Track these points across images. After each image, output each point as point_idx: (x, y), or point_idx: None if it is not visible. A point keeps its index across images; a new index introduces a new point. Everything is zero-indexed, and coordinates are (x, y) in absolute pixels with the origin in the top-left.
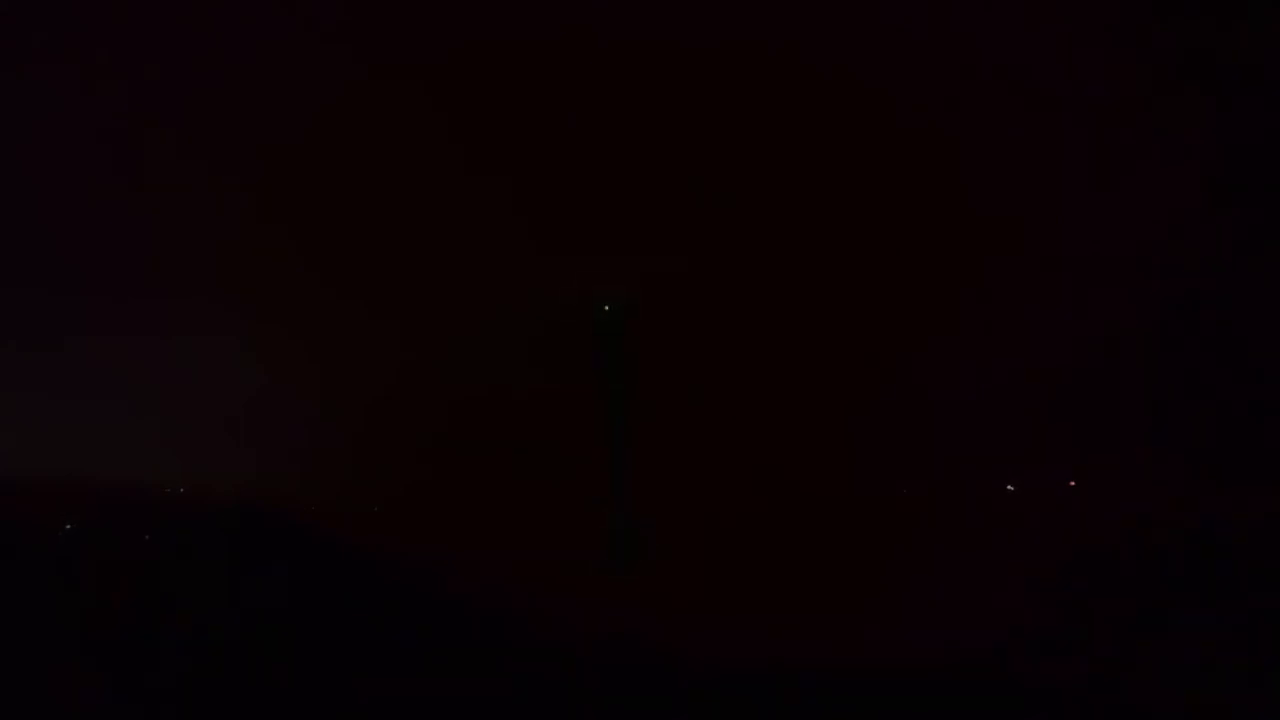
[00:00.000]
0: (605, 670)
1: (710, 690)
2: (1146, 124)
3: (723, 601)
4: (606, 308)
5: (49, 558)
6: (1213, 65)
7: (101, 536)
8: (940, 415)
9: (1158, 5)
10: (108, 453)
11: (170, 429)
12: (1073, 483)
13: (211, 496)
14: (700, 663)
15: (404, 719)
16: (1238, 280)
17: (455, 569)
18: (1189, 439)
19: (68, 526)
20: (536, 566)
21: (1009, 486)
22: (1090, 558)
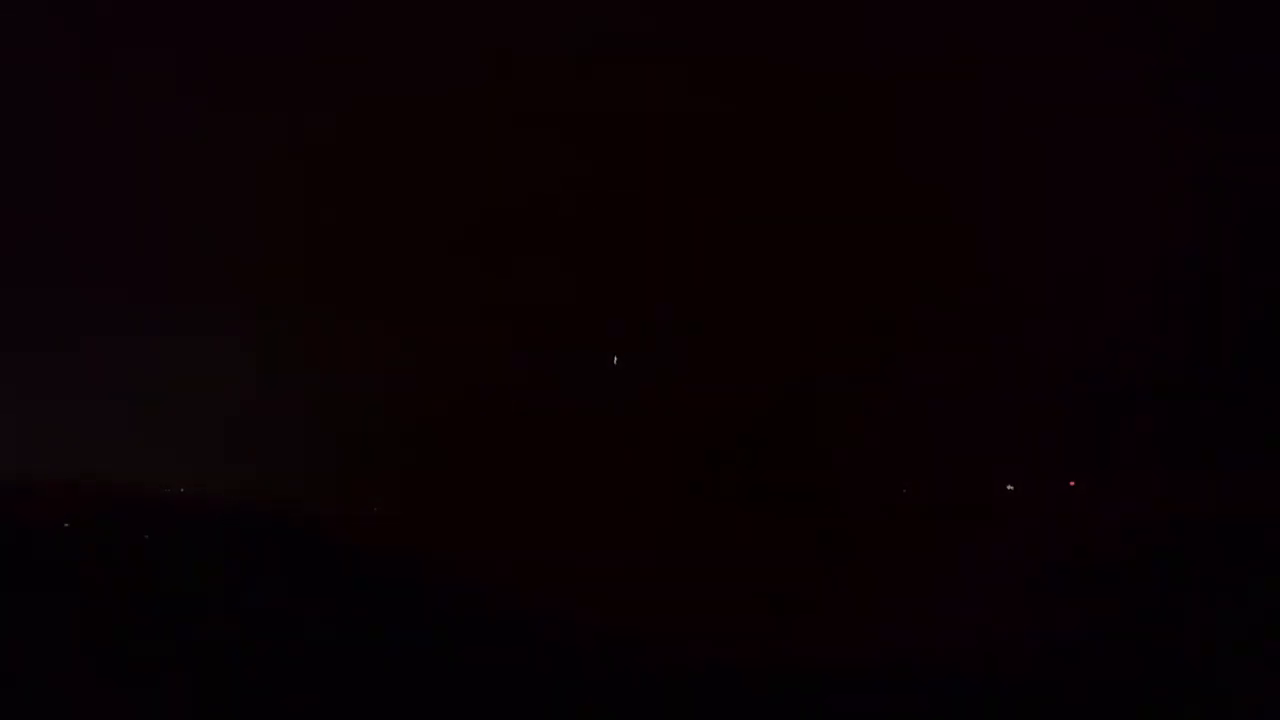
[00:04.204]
0: (607, 669)
1: (709, 690)
2: (1145, 124)
3: (722, 600)
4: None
5: (48, 557)
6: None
7: (101, 536)
8: (940, 415)
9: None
10: (108, 453)
11: (170, 429)
12: (1073, 483)
13: (212, 496)
14: (699, 662)
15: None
16: (1237, 279)
17: (456, 569)
18: (1188, 439)
19: (67, 526)
20: (539, 565)
21: (1009, 486)
22: (1090, 557)
